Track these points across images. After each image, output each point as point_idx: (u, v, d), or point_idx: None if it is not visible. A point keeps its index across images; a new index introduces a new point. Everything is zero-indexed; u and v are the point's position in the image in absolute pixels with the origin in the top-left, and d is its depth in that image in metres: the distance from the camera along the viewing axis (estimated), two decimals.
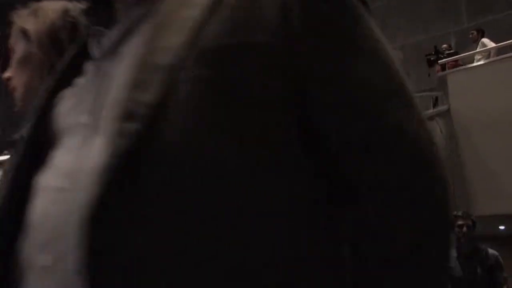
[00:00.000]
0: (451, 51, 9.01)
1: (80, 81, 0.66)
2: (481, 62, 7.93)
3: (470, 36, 8.59)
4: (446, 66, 8.56)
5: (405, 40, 11.36)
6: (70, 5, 1.04)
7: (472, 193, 7.40)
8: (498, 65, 7.36)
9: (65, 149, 0.59)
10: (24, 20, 1.06)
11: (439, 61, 8.84)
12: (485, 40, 8.19)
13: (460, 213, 3.36)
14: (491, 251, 3.46)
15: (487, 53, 8.15)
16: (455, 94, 7.86)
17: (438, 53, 9.01)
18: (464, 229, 3.34)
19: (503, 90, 6.99)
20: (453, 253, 3.18)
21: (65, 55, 0.71)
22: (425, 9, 11.16)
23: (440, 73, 8.53)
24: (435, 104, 8.40)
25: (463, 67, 8.24)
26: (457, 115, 7.77)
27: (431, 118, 7.30)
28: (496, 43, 8.05)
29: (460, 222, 3.34)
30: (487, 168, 7.24)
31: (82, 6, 0.68)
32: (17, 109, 1.07)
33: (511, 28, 8.99)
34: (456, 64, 8.33)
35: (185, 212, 0.48)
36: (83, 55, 0.67)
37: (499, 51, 8.00)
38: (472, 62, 8.28)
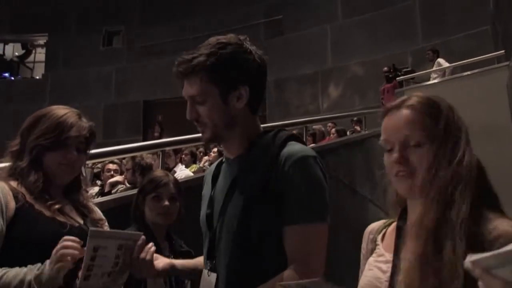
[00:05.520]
0: (408, 68, 9.48)
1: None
2: (437, 80, 8.38)
3: (427, 56, 9.02)
4: (403, 83, 9.01)
5: (365, 57, 11.85)
6: None
7: None
8: (451, 83, 7.81)
9: None
10: None
11: (396, 78, 9.29)
12: (440, 60, 8.66)
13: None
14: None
15: (442, 72, 8.63)
16: None
17: (396, 71, 9.45)
18: None
19: (455, 106, 7.42)
20: None
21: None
22: (384, 29, 11.70)
23: (398, 90, 8.95)
24: None
25: (419, 84, 8.70)
26: None
27: None
28: (449, 63, 8.56)
29: None
30: None
31: None
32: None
33: (462, 49, 9.59)
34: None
35: None
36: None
37: (453, 70, 8.52)
38: (428, 79, 8.75)
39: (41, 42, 16.28)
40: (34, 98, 14.06)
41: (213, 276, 1.27)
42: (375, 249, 1.19)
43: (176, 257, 2.01)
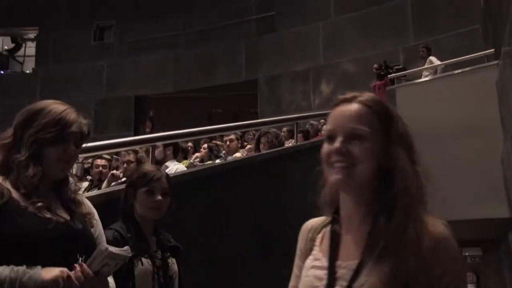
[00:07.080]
0: (400, 66, 9.52)
1: None
2: (428, 78, 8.43)
3: (420, 52, 9.06)
4: (395, 80, 9.05)
5: (357, 55, 11.89)
6: None
7: None
8: (441, 81, 7.86)
9: None
10: None
11: (388, 76, 9.32)
12: (432, 58, 8.71)
13: None
14: None
15: (434, 70, 8.68)
16: (402, 107, 8.31)
17: (388, 68, 9.48)
18: None
19: (446, 104, 7.49)
20: None
21: None
22: (376, 27, 11.73)
23: (389, 87, 8.98)
24: None
25: (411, 82, 8.74)
26: None
27: None
28: (440, 61, 8.61)
29: None
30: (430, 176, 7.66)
31: None
32: None
33: (453, 47, 9.64)
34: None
35: None
36: None
37: (444, 68, 8.57)
38: (420, 77, 8.80)
39: (31, 36, 16.11)
40: (24, 93, 13.92)
41: None
42: (312, 249, 1.13)
43: (164, 252, 2.03)
